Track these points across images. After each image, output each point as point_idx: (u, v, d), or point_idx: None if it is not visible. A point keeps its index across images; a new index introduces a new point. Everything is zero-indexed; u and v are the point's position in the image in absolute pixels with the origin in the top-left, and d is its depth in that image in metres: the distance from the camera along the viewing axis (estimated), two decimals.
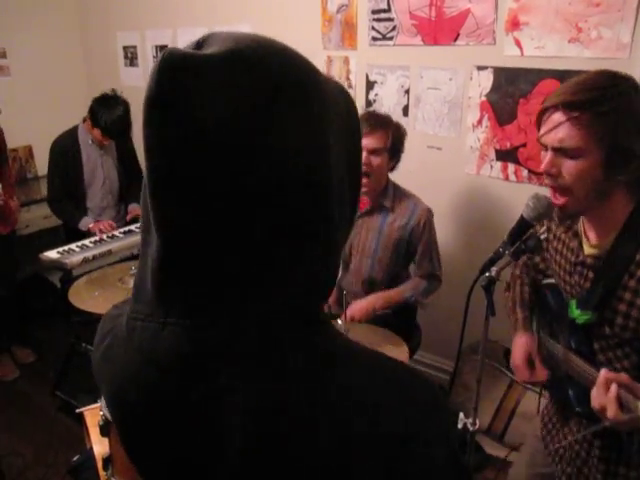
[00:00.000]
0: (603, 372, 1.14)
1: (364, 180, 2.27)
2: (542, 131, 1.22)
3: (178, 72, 0.49)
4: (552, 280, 1.55)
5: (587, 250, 1.32)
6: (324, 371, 0.56)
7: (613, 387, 1.10)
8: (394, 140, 2.26)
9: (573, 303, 1.33)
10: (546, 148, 1.23)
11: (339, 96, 0.60)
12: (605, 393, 1.12)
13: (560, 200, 1.24)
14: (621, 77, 1.16)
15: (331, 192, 0.56)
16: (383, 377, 0.59)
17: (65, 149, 3.28)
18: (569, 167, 1.18)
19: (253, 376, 0.54)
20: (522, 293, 1.65)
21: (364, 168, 2.23)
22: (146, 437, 0.60)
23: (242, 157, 0.50)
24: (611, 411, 1.10)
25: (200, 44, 0.53)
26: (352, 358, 0.60)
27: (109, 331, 0.65)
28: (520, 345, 1.53)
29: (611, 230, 1.25)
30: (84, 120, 3.30)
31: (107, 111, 3.12)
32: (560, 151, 1.19)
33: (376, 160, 2.23)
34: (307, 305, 0.58)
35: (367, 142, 2.21)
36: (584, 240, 1.34)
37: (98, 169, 3.37)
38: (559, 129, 1.17)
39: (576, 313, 1.31)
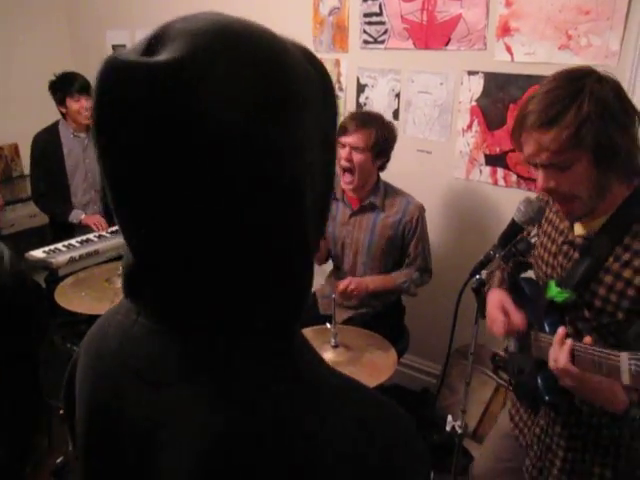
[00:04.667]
0: (560, 328, 1.18)
1: (348, 176, 2.32)
2: (526, 152, 1.22)
3: (120, 87, 0.44)
4: (529, 275, 1.55)
5: (577, 230, 1.33)
6: (287, 399, 0.51)
7: (569, 340, 1.15)
8: (378, 139, 2.27)
9: (552, 282, 1.34)
10: (535, 166, 1.23)
11: (315, 79, 0.54)
12: (560, 348, 1.16)
13: (568, 207, 1.25)
14: (584, 73, 1.17)
15: (304, 198, 0.51)
16: (356, 423, 0.53)
17: (46, 144, 3.28)
18: (564, 178, 1.19)
19: (207, 397, 0.51)
20: (503, 269, 1.64)
21: (346, 164, 2.28)
22: (98, 437, 0.60)
23: (204, 171, 0.45)
24: (562, 360, 1.14)
25: (153, 43, 0.48)
26: (323, 393, 0.54)
27: (98, 323, 0.65)
28: (493, 298, 1.49)
29: (603, 213, 1.26)
30: (64, 118, 3.30)
31: (72, 76, 3.20)
32: (550, 166, 1.19)
33: (357, 157, 2.27)
34: (280, 325, 0.55)
35: (350, 140, 2.27)
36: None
37: (80, 163, 3.35)
38: (545, 149, 1.17)
39: (555, 291, 1.31)
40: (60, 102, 3.23)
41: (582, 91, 1.12)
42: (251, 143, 0.46)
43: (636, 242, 1.20)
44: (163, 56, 0.45)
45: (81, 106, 3.20)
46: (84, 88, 3.18)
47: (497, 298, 1.49)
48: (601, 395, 1.16)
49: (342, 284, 2.32)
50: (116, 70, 0.44)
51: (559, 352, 1.16)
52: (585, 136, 1.12)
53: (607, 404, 1.18)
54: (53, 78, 3.24)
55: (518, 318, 1.39)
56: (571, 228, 1.35)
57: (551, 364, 1.19)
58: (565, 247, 1.35)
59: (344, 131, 2.28)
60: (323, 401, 0.53)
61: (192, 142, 0.44)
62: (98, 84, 0.45)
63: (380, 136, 2.28)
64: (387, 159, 2.39)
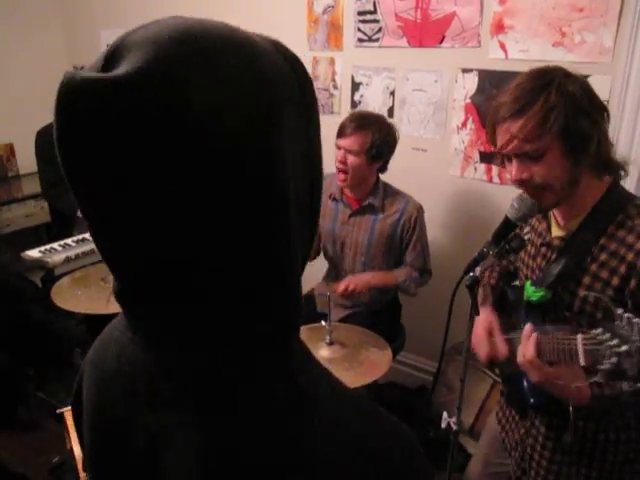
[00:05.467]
0: (528, 325, 1.23)
1: (341, 175, 2.31)
2: (499, 143, 1.25)
3: (79, 106, 0.42)
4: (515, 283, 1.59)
5: (555, 232, 1.36)
6: (287, 414, 0.50)
7: (534, 334, 1.21)
8: (374, 143, 2.25)
9: (528, 282, 1.37)
10: (509, 158, 1.26)
11: (289, 76, 0.51)
12: (527, 341, 1.21)
13: (538, 198, 1.27)
14: (552, 69, 1.21)
15: (287, 199, 0.49)
16: (358, 443, 0.51)
17: (49, 138, 3.24)
18: (537, 168, 1.21)
19: (207, 414, 0.50)
20: (489, 278, 1.68)
21: (340, 165, 2.27)
22: (103, 456, 0.60)
23: (168, 185, 0.44)
24: (528, 353, 1.19)
25: (110, 58, 0.46)
26: (322, 403, 0.53)
27: (101, 337, 0.65)
28: (481, 320, 1.53)
29: (579, 213, 1.29)
30: None
31: None
32: (523, 156, 1.22)
33: (351, 159, 2.26)
34: (275, 336, 0.53)
35: (345, 142, 2.26)
36: (553, 222, 1.37)
37: None
38: (515, 137, 1.20)
39: (530, 291, 1.34)
40: None
41: (550, 84, 1.17)
42: (224, 150, 0.44)
43: (612, 243, 1.22)
44: (121, 69, 0.43)
45: None
46: None
47: (486, 319, 1.53)
48: (566, 390, 1.19)
49: (341, 286, 2.32)
50: (74, 89, 0.42)
51: (526, 346, 1.21)
52: (553, 123, 1.15)
53: (573, 397, 1.20)
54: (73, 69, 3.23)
55: (502, 348, 1.45)
56: (549, 230, 1.37)
57: (519, 359, 1.23)
58: (543, 249, 1.38)
59: (341, 133, 2.28)
60: (323, 419, 0.51)
61: (159, 154, 0.43)
62: (57, 104, 0.44)
63: (377, 139, 2.25)
64: (386, 161, 2.37)
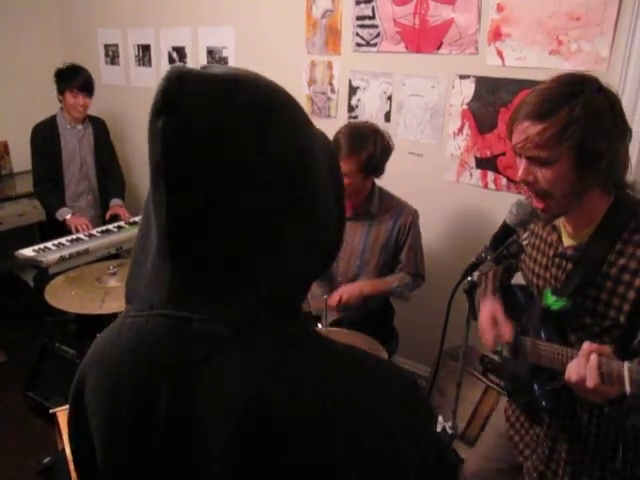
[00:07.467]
0: (586, 344, 1.12)
1: None
2: (514, 141, 1.25)
3: (183, 82, 0.54)
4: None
5: (566, 242, 1.36)
6: (304, 363, 0.58)
7: (593, 356, 1.09)
8: (370, 159, 2.21)
9: (548, 291, 1.36)
10: (520, 156, 1.26)
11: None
12: (586, 364, 1.09)
13: (541, 204, 1.28)
14: (586, 80, 1.20)
15: (315, 191, 0.61)
16: (360, 370, 0.61)
17: (45, 133, 3.33)
18: (544, 174, 1.22)
19: (236, 370, 0.56)
20: (495, 272, 1.67)
21: None
22: (131, 438, 0.62)
23: (235, 157, 0.55)
24: (591, 380, 1.08)
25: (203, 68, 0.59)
26: (331, 350, 0.62)
27: (104, 336, 0.68)
28: (486, 308, 1.54)
29: (589, 223, 1.29)
30: (62, 108, 3.35)
31: (78, 71, 3.30)
32: (533, 159, 1.22)
33: (347, 181, 2.20)
34: (287, 299, 0.61)
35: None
36: (563, 233, 1.37)
37: (76, 154, 3.41)
38: (530, 140, 1.20)
39: (551, 300, 1.34)
40: (60, 92, 3.29)
41: (578, 95, 1.15)
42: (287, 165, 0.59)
43: (629, 247, 1.22)
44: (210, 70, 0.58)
45: (77, 102, 3.27)
46: (85, 86, 3.27)
47: (489, 308, 1.53)
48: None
49: (334, 297, 2.31)
50: (182, 71, 0.55)
51: (585, 369, 1.10)
52: (570, 136, 1.15)
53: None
54: (61, 67, 3.30)
55: (506, 330, 1.45)
56: (560, 240, 1.38)
57: (572, 378, 1.13)
58: (557, 260, 1.38)
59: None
60: (338, 365, 0.60)
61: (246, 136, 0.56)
62: (165, 85, 0.54)
63: (372, 155, 2.21)
64: (380, 172, 2.33)
